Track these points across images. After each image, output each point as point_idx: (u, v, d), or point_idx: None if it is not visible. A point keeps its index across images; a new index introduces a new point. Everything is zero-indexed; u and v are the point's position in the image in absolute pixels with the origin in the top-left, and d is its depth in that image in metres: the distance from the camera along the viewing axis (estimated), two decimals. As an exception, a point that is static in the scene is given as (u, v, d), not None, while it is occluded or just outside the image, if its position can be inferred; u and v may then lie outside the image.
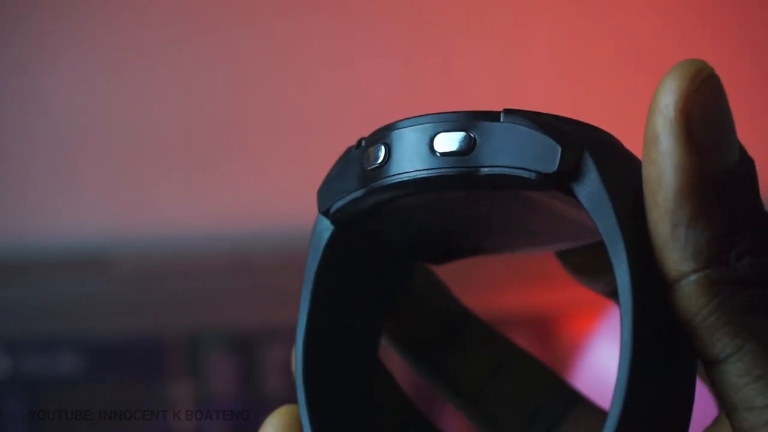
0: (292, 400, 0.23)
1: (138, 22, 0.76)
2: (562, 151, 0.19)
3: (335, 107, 0.76)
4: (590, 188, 0.19)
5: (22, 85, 0.76)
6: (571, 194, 0.20)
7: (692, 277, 0.18)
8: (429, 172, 0.20)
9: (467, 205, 0.22)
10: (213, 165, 0.76)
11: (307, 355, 0.22)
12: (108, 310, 0.72)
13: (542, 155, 0.19)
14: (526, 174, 0.20)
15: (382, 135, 0.21)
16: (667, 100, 0.19)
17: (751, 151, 0.19)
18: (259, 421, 0.23)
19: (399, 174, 0.21)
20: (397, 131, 0.21)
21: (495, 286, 0.71)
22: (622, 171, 0.20)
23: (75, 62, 0.76)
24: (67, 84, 0.76)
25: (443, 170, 0.20)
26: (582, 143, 0.20)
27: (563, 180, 0.20)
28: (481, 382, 0.26)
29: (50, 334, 0.71)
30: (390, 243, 0.24)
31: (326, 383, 0.23)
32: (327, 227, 0.22)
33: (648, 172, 0.19)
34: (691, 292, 0.18)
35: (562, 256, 0.26)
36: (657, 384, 0.19)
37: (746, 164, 0.19)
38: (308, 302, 0.22)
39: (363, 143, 0.22)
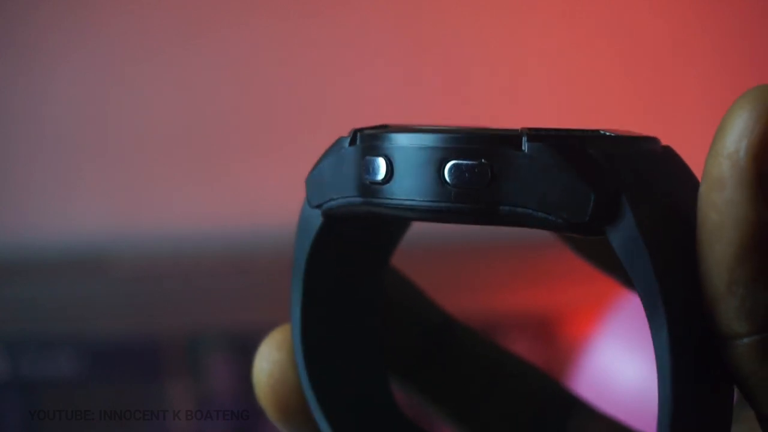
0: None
1: (137, 22, 0.76)
2: (595, 198, 0.17)
3: (335, 107, 0.76)
4: (625, 234, 0.17)
5: (22, 86, 0.76)
6: (603, 235, 0.17)
7: (746, 340, 0.17)
8: (440, 204, 0.18)
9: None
10: (212, 165, 0.76)
11: (306, 344, 0.21)
12: (107, 310, 0.72)
13: (572, 201, 0.17)
14: (552, 218, 0.17)
15: (383, 145, 0.19)
16: (738, 143, 0.16)
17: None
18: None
19: (403, 199, 0.18)
20: (400, 148, 0.18)
21: (495, 287, 0.71)
22: (665, 206, 0.18)
23: (75, 63, 0.76)
24: (66, 84, 0.76)
25: (456, 205, 0.18)
26: (619, 181, 0.17)
27: (595, 227, 0.17)
28: (473, 396, 0.24)
29: (50, 334, 0.71)
30: (379, 226, 0.22)
31: (332, 366, 0.22)
32: (316, 217, 0.21)
33: (706, 216, 0.17)
34: (744, 354, 0.17)
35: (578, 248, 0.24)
36: None
37: None
38: (300, 291, 0.21)
39: (358, 141, 0.19)
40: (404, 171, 0.18)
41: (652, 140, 0.19)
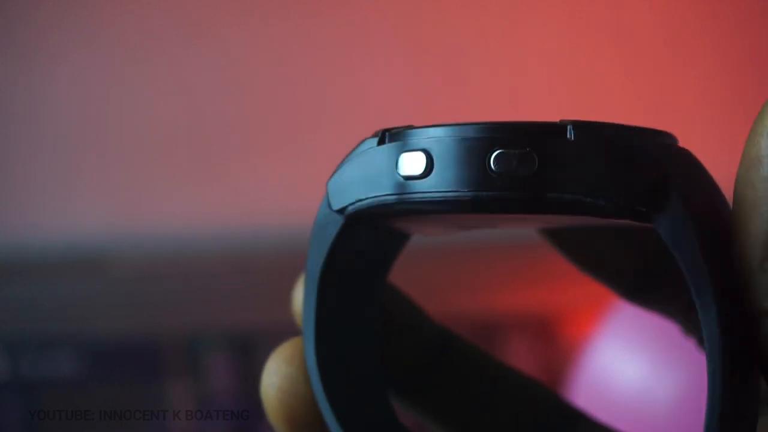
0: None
1: (137, 22, 0.76)
2: (644, 182, 0.17)
3: (335, 106, 0.76)
4: (672, 219, 0.17)
5: (22, 86, 0.76)
6: (649, 222, 0.18)
7: None
8: (487, 194, 0.18)
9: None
10: (212, 165, 0.76)
11: (319, 354, 0.21)
12: (107, 310, 0.72)
13: (620, 183, 0.17)
14: (601, 202, 0.17)
15: (420, 140, 0.19)
16: None
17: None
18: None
19: (446, 191, 0.18)
20: (439, 139, 0.18)
21: (495, 287, 0.71)
22: (705, 193, 0.18)
23: (75, 63, 0.76)
24: (66, 84, 0.76)
25: (503, 193, 0.18)
26: (663, 167, 0.18)
27: (643, 211, 0.18)
28: (473, 411, 0.24)
29: (50, 334, 0.71)
30: (393, 226, 0.22)
31: (343, 378, 0.22)
32: (336, 221, 0.20)
33: (743, 194, 0.17)
34: None
35: (571, 251, 0.24)
36: (742, 427, 0.18)
37: None
38: (314, 299, 0.21)
39: (387, 139, 0.19)
40: (446, 163, 0.18)
41: (673, 136, 0.19)
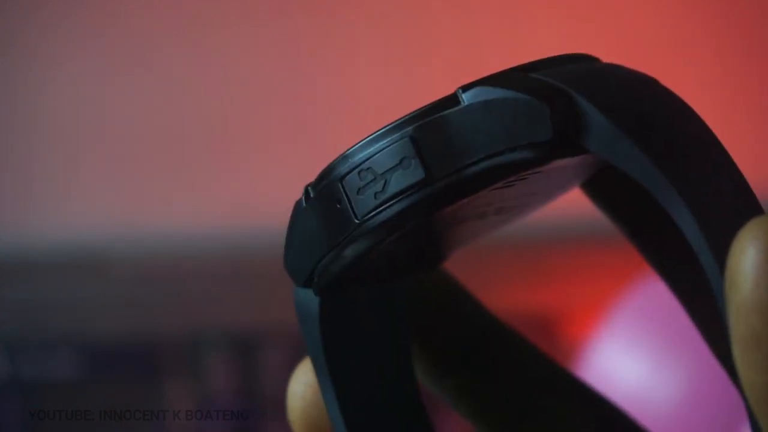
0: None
1: (136, 25, 0.76)
2: (549, 108, 0.16)
3: (335, 106, 0.76)
4: (602, 134, 0.16)
5: (21, 87, 0.76)
6: (584, 150, 0.16)
7: None
8: (414, 197, 0.17)
9: (462, 206, 0.18)
10: (211, 166, 0.76)
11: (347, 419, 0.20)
12: (107, 310, 0.72)
13: (526, 124, 0.16)
14: (519, 155, 0.16)
15: (335, 177, 0.17)
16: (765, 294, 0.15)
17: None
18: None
19: (394, 202, 0.17)
20: (345, 168, 0.17)
21: (495, 287, 0.71)
22: (629, 97, 0.17)
23: (75, 64, 0.76)
24: (66, 85, 0.76)
25: (432, 187, 0.17)
26: (568, 86, 0.17)
27: (566, 141, 0.16)
28: (514, 412, 0.23)
29: (50, 334, 0.71)
30: (382, 281, 0.21)
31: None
32: (312, 300, 0.19)
33: (751, 381, 0.16)
34: None
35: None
36: None
37: None
38: (330, 382, 0.20)
39: (311, 192, 0.18)
40: (354, 190, 0.17)
41: (590, 57, 0.18)
